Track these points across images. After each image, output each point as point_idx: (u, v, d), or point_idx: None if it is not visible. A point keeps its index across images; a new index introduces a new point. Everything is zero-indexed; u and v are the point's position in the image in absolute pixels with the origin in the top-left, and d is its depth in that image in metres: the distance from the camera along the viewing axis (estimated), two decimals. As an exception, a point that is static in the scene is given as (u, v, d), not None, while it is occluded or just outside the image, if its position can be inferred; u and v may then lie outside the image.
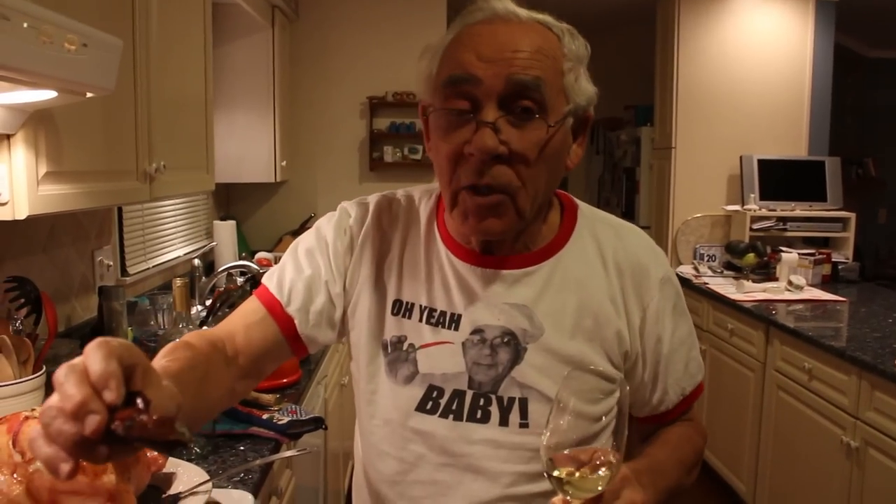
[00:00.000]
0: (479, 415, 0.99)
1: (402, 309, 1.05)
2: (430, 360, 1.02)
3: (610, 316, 1.00)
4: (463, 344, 1.01)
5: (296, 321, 1.05)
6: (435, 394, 1.01)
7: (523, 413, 0.98)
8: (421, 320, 1.03)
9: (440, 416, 1.01)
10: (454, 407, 1.00)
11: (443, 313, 1.02)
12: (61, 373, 0.57)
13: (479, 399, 0.99)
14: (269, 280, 1.08)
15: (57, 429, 0.55)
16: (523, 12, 0.95)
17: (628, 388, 0.84)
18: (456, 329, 1.01)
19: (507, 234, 0.97)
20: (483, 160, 0.90)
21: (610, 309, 1.01)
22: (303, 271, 1.06)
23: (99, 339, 0.59)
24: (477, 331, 1.00)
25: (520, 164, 0.90)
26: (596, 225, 1.06)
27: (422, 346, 1.02)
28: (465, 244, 1.03)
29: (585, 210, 1.08)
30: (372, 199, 1.11)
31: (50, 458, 0.55)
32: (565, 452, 0.77)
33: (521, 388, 0.98)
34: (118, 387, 0.56)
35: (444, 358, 1.01)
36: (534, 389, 0.98)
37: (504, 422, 0.98)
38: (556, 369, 0.94)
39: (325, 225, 1.09)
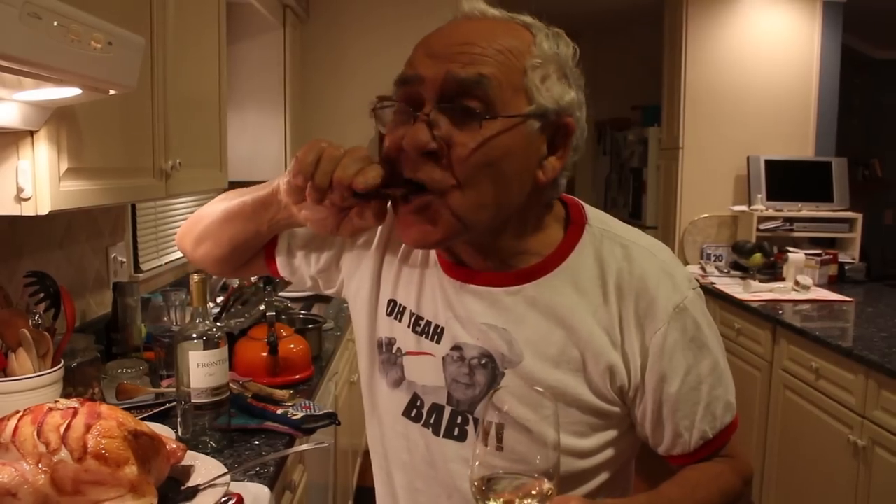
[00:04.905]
0: (456, 432, 0.96)
1: (395, 310, 1.03)
2: (413, 368, 1.00)
3: (602, 348, 0.91)
4: (443, 359, 0.97)
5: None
6: (418, 402, 1.00)
7: (499, 438, 0.93)
8: (408, 326, 1.01)
9: (423, 425, 0.99)
10: (433, 420, 0.98)
11: (428, 323, 0.99)
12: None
13: (456, 417, 0.97)
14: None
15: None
16: (495, 11, 0.89)
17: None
18: (438, 342, 0.98)
19: (446, 243, 0.91)
20: (415, 155, 0.84)
21: (603, 340, 0.91)
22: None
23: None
24: (456, 347, 0.96)
25: (457, 164, 0.83)
26: (604, 243, 0.94)
27: (408, 353, 1.01)
28: (450, 255, 0.98)
29: (595, 224, 0.96)
30: None
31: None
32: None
33: (497, 413, 0.94)
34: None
35: (425, 369, 0.99)
36: (510, 416, 0.92)
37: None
38: (534, 398, 0.85)
39: None
